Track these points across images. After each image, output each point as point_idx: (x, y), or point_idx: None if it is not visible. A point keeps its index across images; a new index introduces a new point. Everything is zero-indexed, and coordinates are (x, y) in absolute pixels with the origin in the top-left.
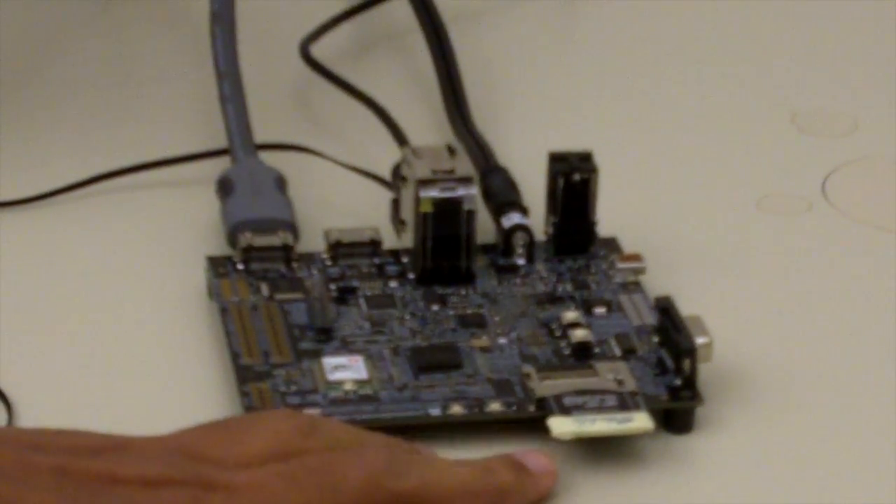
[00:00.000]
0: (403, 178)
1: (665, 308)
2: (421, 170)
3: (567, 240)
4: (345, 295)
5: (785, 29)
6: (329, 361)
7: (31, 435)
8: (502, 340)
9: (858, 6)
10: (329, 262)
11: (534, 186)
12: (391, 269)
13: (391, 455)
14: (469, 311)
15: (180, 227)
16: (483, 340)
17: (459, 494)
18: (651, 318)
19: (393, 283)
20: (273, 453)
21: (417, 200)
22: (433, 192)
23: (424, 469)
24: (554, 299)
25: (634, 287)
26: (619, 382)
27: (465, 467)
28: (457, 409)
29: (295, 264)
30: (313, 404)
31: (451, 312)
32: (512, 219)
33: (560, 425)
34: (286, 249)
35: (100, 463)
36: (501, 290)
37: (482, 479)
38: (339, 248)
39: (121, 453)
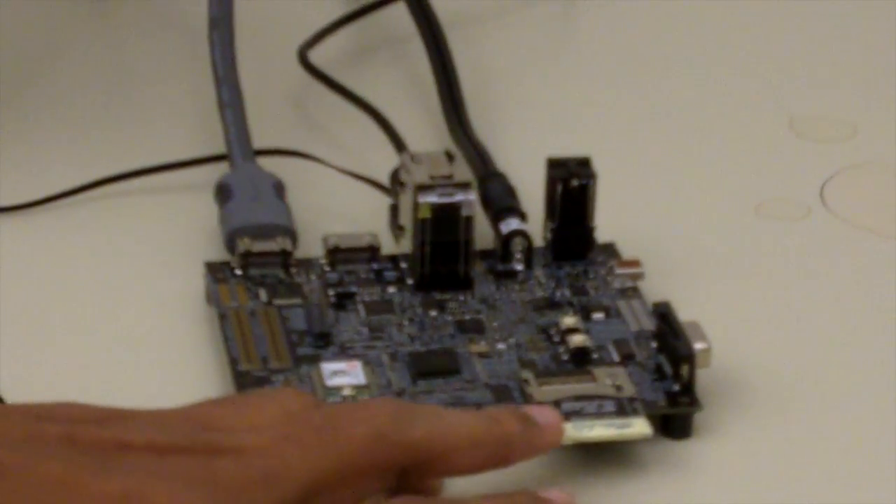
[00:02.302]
0: (402, 184)
1: (663, 314)
2: (419, 175)
3: (565, 245)
4: (343, 300)
5: (783, 34)
6: (327, 367)
7: (38, 407)
8: (501, 346)
9: (857, 11)
10: (327, 268)
11: (532, 192)
12: (389, 274)
13: (395, 408)
14: (467, 317)
15: (178, 232)
16: (481, 346)
17: (465, 444)
18: (649, 324)
19: (391, 289)
20: (279, 422)
21: (416, 206)
22: (432, 198)
23: (429, 420)
24: (552, 305)
25: (633, 293)
26: (618, 388)
27: (471, 417)
28: None
29: (293, 270)
30: None
31: (450, 318)
32: (510, 224)
33: None
34: (284, 255)
35: (107, 431)
36: (500, 295)
37: (488, 430)
38: (338, 254)
39: (128, 422)
